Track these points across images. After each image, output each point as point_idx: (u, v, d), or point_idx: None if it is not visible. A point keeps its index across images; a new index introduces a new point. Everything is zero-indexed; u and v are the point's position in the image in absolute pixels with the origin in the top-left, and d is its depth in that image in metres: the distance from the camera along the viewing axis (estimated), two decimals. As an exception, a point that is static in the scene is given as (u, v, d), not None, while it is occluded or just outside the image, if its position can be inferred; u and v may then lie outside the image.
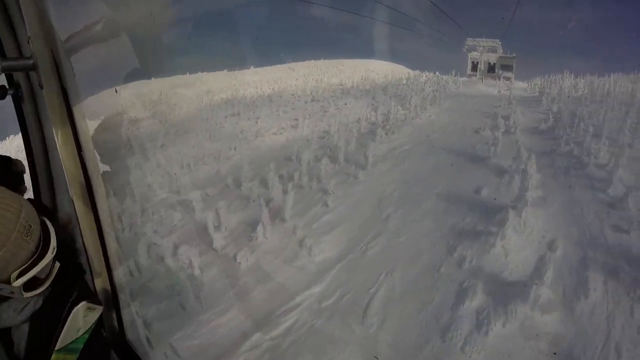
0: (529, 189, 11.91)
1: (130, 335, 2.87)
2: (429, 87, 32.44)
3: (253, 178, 15.62)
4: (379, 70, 35.88)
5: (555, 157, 15.97)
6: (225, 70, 32.01)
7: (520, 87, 29.90)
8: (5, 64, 2.16)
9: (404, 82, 33.89)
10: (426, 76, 34.58)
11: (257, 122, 24.60)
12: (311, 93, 31.58)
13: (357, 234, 12.16)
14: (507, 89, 29.42)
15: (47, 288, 1.69)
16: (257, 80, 32.47)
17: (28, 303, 1.69)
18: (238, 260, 10.16)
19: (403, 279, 9.35)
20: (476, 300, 8.28)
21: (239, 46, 30.71)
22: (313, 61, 37.99)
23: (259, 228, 11.19)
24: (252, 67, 33.23)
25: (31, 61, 2.15)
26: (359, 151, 17.50)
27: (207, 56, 31.06)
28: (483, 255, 9.96)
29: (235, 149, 20.38)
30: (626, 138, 16.44)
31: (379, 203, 13.87)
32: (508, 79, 30.46)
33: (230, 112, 26.42)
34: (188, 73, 28.70)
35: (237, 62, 30.54)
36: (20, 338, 1.72)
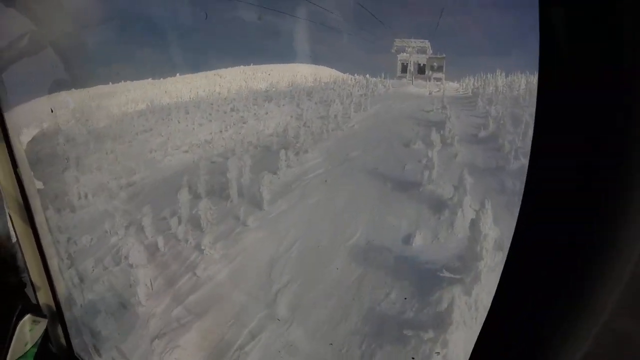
0: (483, 240, 7.01)
1: (77, 346, 2.63)
2: (357, 90, 28.98)
3: (130, 224, 11.79)
4: (309, 74, 32.18)
5: (505, 178, 11.34)
6: (150, 79, 28.95)
7: (452, 87, 26.91)
8: None
9: (332, 86, 30.43)
10: (354, 79, 31.29)
11: (168, 139, 21.05)
12: (232, 101, 27.69)
13: (227, 335, 7.06)
14: (439, 90, 26.31)
15: None
16: (180, 88, 29.16)
17: None
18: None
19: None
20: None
21: (166, 53, 28.31)
22: (242, 67, 34.09)
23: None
24: (177, 74, 30.00)
25: None
26: (259, 182, 12.07)
27: (132, 64, 28.94)
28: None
29: (138, 173, 16.71)
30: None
31: (270, 269, 8.83)
32: (439, 79, 27.84)
33: (143, 128, 22.90)
34: (111, 82, 25.47)
35: (164, 69, 28.01)
36: None
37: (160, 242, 10.58)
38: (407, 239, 9.53)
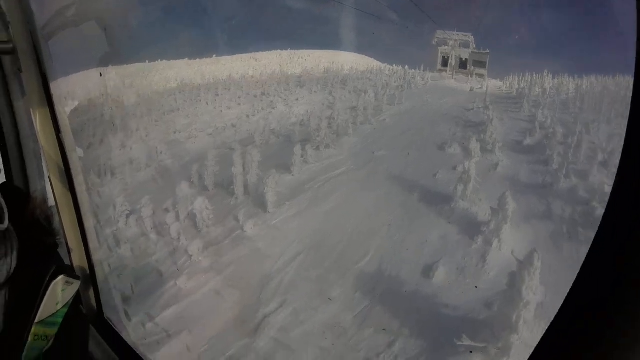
0: (523, 307, 5.10)
1: (108, 310, 2.58)
2: (394, 82, 26.87)
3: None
4: (346, 61, 30.24)
5: (553, 200, 9.32)
6: (186, 59, 28.08)
7: (494, 85, 24.56)
8: None
9: (368, 75, 28.57)
10: (391, 70, 29.18)
11: (195, 120, 20.09)
12: (264, 86, 26.54)
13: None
14: (481, 87, 24.34)
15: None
16: (214, 70, 27.66)
17: None
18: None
19: None
20: None
21: (204, 34, 27.47)
22: (279, 51, 32.00)
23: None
24: (214, 55, 28.54)
25: (10, 45, 2.02)
26: (268, 179, 10.32)
27: (171, 43, 27.80)
28: None
29: (162, 152, 15.62)
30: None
31: (261, 290, 7.16)
32: (481, 76, 25.73)
33: (170, 108, 21.84)
34: (147, 61, 24.86)
35: (201, 50, 27.08)
36: None
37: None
38: (427, 271, 7.67)
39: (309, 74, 29.21)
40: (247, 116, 21.10)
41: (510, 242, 7.92)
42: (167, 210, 10.38)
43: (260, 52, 30.98)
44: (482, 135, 13.96)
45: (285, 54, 31.87)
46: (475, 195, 9.57)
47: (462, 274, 7.47)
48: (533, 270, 5.42)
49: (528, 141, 14.03)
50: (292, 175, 11.53)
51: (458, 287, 7.19)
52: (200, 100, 23.39)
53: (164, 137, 17.83)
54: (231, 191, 10.83)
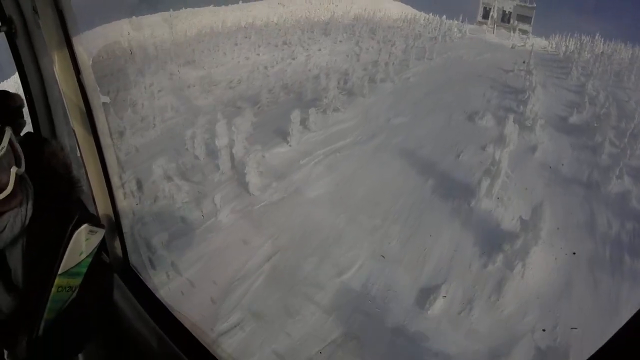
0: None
1: (133, 258, 2.50)
2: (428, 33, 24.27)
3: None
4: (378, 8, 28.36)
5: (598, 211, 7.11)
6: (212, 6, 26.84)
7: (539, 44, 21.75)
8: None
9: (400, 24, 26.19)
10: (427, 19, 26.78)
11: (210, 72, 18.04)
12: (286, 34, 24.21)
13: None
14: (524, 45, 21.50)
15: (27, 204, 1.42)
16: (238, 16, 25.99)
17: (8, 221, 1.38)
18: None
19: None
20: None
21: None
22: None
23: None
24: (240, 1, 27.97)
25: None
26: (259, 152, 8.41)
27: None
28: None
29: (175, 110, 14.24)
30: None
31: (223, 298, 5.59)
32: (525, 32, 23.14)
33: (186, 60, 19.70)
34: (172, 9, 23.25)
35: None
36: (16, 264, 1.47)
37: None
38: (424, 298, 5.60)
39: (337, 21, 26.74)
40: (265, 67, 19.06)
41: (537, 271, 5.82)
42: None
43: None
44: (520, 107, 11.39)
45: None
46: (503, 192, 7.31)
47: (468, 308, 5.47)
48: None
49: (574, 119, 11.46)
50: (290, 145, 9.49)
51: (459, 327, 5.22)
52: (219, 50, 21.42)
53: (177, 93, 16.28)
54: (217, 165, 8.95)
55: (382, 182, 8.12)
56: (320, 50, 21.77)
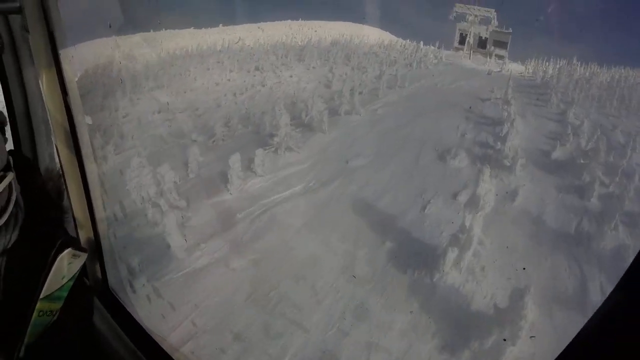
0: None
1: (112, 281, 2.39)
2: (404, 59, 23.41)
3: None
4: (357, 34, 27.23)
5: (593, 274, 5.45)
6: (192, 28, 26.56)
7: (515, 70, 20.61)
8: None
9: (376, 49, 25.22)
10: (403, 45, 26.01)
11: (177, 99, 17.25)
12: (260, 59, 22.90)
13: None
14: (500, 71, 20.56)
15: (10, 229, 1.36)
16: (214, 40, 24.98)
17: None
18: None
19: None
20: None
21: (216, 1, 27.87)
22: (289, 21, 30.25)
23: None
24: (220, 25, 27.41)
25: (17, 4, 1.79)
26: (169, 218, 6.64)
27: (177, 12, 26.73)
28: None
29: (136, 138, 13.05)
30: None
31: None
32: (501, 57, 22.58)
33: (156, 84, 18.42)
34: (152, 30, 22.19)
35: (207, 19, 26.49)
36: None
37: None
38: None
39: (314, 46, 25.51)
40: (234, 94, 17.94)
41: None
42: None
43: (269, 22, 28.84)
44: (498, 143, 9.86)
45: (295, 24, 29.32)
46: (475, 260, 5.64)
47: None
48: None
49: (558, 154, 9.95)
50: (230, 193, 7.77)
51: None
52: (190, 75, 20.21)
53: (142, 119, 14.99)
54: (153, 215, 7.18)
55: (326, 247, 6.34)
56: (291, 76, 20.63)
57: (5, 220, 1.27)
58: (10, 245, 1.32)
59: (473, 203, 5.70)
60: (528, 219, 7.01)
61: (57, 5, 1.85)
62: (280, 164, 9.04)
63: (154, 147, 12.12)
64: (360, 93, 13.81)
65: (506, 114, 12.10)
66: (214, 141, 12.11)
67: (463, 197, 7.09)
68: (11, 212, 1.30)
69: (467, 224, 5.58)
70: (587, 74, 17.74)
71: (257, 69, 21.47)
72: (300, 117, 12.07)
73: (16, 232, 1.33)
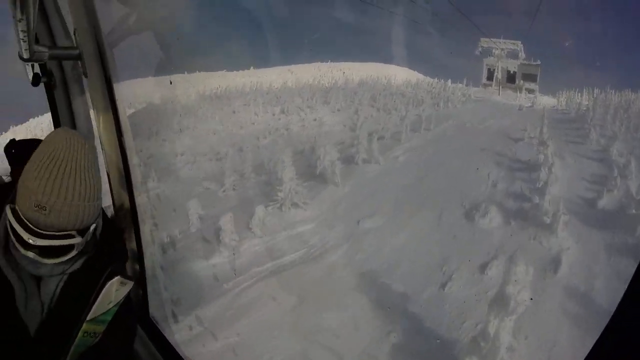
0: None
1: (154, 309, 2.54)
2: (430, 98, 22.01)
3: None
4: (384, 75, 25.72)
5: None
6: (224, 71, 25.81)
7: (547, 103, 19.25)
8: (53, 52, 2.05)
9: (403, 89, 24.04)
10: (430, 84, 24.25)
11: (201, 142, 16.59)
12: (286, 102, 22.32)
13: None
14: (532, 105, 19.34)
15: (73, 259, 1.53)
16: (245, 82, 24.49)
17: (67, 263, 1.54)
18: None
19: None
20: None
21: (246, 46, 27.71)
22: (318, 63, 28.00)
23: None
24: (252, 67, 26.49)
25: (77, 51, 2.04)
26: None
27: (211, 55, 25.78)
28: None
29: (157, 180, 11.62)
30: None
31: None
32: (531, 91, 20.59)
33: (180, 127, 17.93)
34: (186, 72, 20.92)
35: (240, 61, 25.91)
36: (47, 296, 1.54)
37: None
38: None
39: (340, 88, 24.84)
40: (257, 138, 17.47)
41: None
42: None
43: (299, 65, 27.62)
44: (535, 196, 8.43)
45: (325, 66, 27.80)
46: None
47: None
48: None
49: (604, 202, 8.35)
50: (214, 266, 6.73)
51: None
52: (216, 118, 19.81)
53: (164, 161, 14.74)
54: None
55: (315, 337, 5.10)
56: (315, 120, 19.80)
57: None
58: (71, 270, 1.46)
59: (501, 303, 4.33)
60: (576, 299, 5.55)
61: (112, 52, 1.99)
62: (283, 222, 7.93)
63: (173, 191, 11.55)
64: (380, 138, 12.74)
65: (542, 156, 10.62)
66: (224, 190, 11.38)
67: (493, 272, 5.76)
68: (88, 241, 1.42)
69: (492, 331, 4.21)
70: (622, 101, 15.77)
71: (282, 112, 20.93)
72: (316, 166, 11.18)
73: (80, 261, 1.47)
